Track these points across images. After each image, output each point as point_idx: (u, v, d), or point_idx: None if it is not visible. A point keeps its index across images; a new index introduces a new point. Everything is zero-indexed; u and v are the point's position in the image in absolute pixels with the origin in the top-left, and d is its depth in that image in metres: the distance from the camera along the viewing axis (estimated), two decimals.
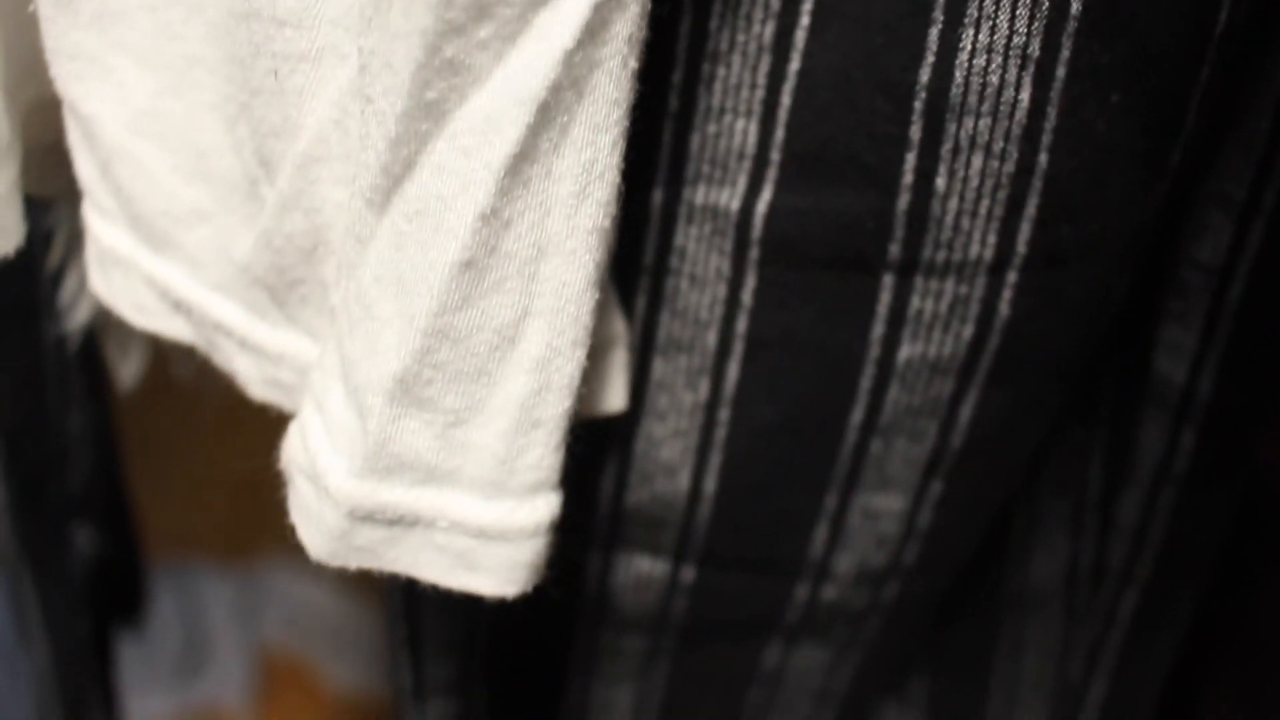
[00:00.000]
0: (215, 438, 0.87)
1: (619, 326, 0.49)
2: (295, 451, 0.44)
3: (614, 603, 0.59)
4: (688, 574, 0.57)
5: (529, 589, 0.45)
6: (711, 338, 0.51)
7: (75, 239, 0.67)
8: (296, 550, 0.45)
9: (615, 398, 0.50)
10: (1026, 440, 0.55)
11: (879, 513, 0.54)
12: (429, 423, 0.42)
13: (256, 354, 0.49)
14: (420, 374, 0.41)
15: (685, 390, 0.52)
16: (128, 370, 0.73)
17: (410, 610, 0.60)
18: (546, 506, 0.43)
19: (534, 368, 0.41)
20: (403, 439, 0.42)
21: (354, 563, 0.44)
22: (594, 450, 0.52)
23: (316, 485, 0.43)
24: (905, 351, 0.49)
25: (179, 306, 0.50)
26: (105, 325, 0.70)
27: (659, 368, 0.52)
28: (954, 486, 0.54)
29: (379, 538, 0.43)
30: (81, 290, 0.68)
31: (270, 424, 0.48)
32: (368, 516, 0.43)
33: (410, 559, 0.44)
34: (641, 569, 0.57)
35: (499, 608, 0.61)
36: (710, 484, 0.53)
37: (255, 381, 0.49)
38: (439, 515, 0.43)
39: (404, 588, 0.59)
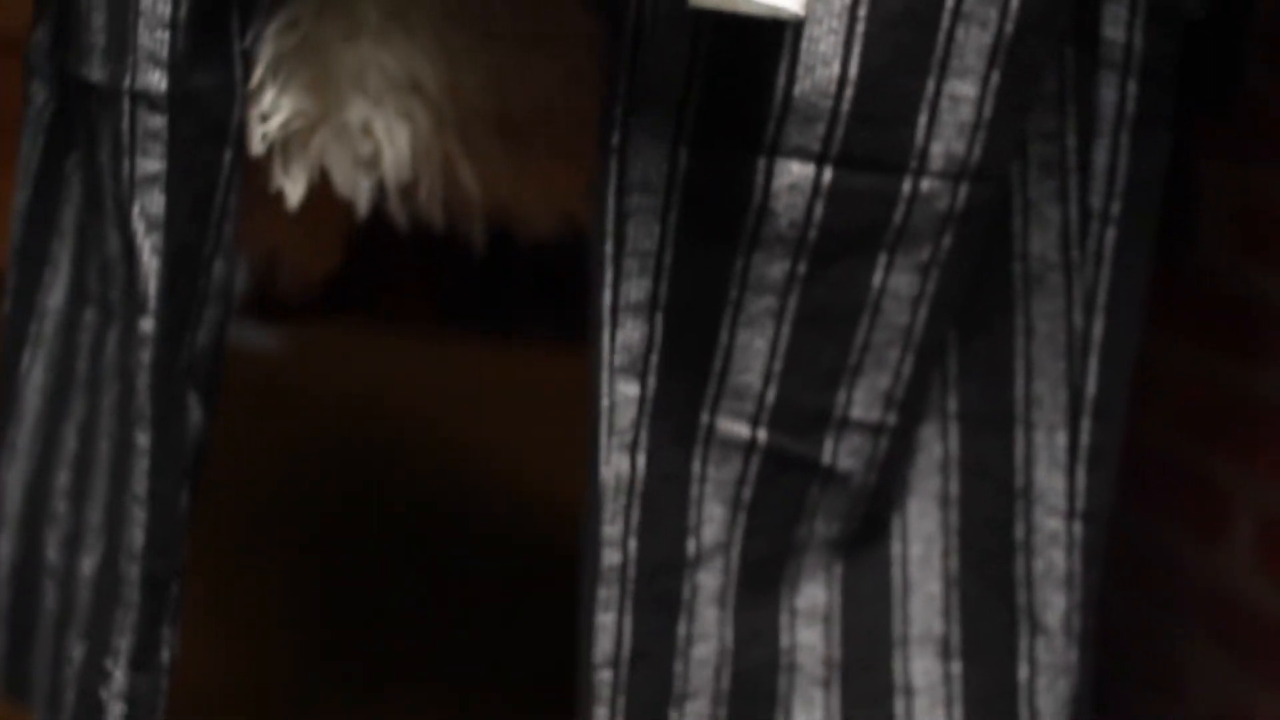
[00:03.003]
0: None
1: None
2: None
3: (770, 211, 0.76)
4: (827, 175, 0.76)
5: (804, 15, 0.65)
6: None
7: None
8: None
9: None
10: (1053, 31, 0.78)
11: (960, 98, 0.76)
12: None
13: None
14: None
15: None
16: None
17: (619, 226, 0.76)
18: None
19: None
20: None
21: None
22: (770, 49, 0.73)
23: None
24: None
25: None
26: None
27: None
28: (1007, 77, 0.77)
29: None
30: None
31: None
32: None
33: None
34: (794, 173, 0.76)
35: (684, 228, 0.78)
36: (854, 68, 0.74)
37: None
38: None
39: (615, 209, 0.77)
